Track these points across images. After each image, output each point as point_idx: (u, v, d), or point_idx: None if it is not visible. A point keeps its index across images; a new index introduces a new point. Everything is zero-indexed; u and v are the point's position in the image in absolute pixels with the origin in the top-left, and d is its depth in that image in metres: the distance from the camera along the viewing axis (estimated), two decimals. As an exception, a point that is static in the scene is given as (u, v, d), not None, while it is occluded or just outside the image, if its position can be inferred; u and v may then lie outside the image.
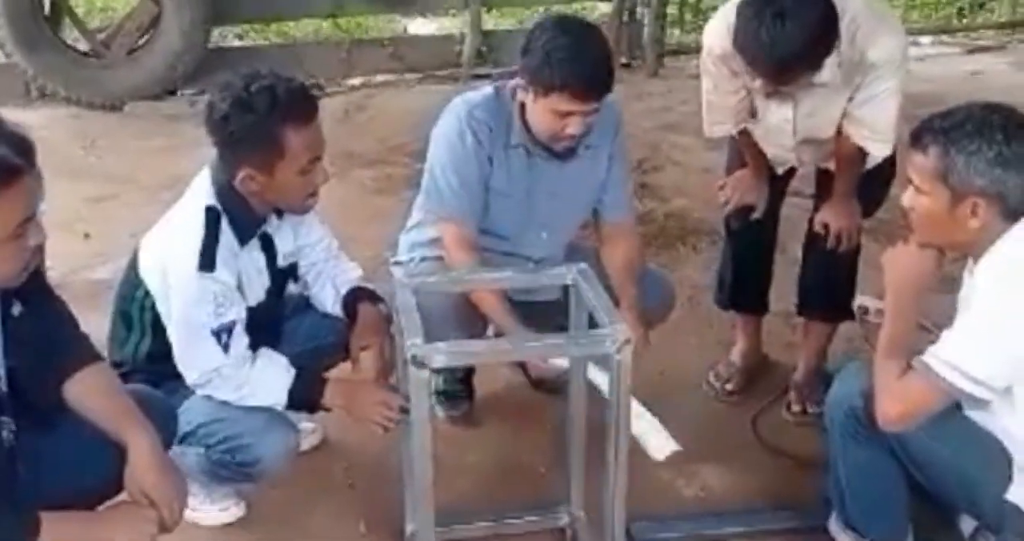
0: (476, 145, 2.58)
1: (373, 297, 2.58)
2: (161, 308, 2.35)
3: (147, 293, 2.37)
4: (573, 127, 2.47)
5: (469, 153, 2.58)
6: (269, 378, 2.35)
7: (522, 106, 2.55)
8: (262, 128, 2.21)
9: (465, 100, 2.63)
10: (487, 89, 2.66)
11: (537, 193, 2.66)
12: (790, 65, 2.47)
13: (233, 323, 2.30)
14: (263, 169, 2.26)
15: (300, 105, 2.25)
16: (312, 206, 2.43)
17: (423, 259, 2.75)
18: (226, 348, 2.30)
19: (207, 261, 2.26)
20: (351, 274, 2.63)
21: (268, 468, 2.37)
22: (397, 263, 2.77)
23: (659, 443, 2.20)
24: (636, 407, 2.15)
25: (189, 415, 2.31)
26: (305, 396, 2.36)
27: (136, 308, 2.41)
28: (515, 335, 2.39)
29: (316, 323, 2.61)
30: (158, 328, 2.38)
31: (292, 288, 2.61)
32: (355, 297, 2.57)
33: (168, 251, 2.32)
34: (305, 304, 2.65)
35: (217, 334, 2.28)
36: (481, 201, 2.63)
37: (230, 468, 2.37)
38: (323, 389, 2.37)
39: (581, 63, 2.38)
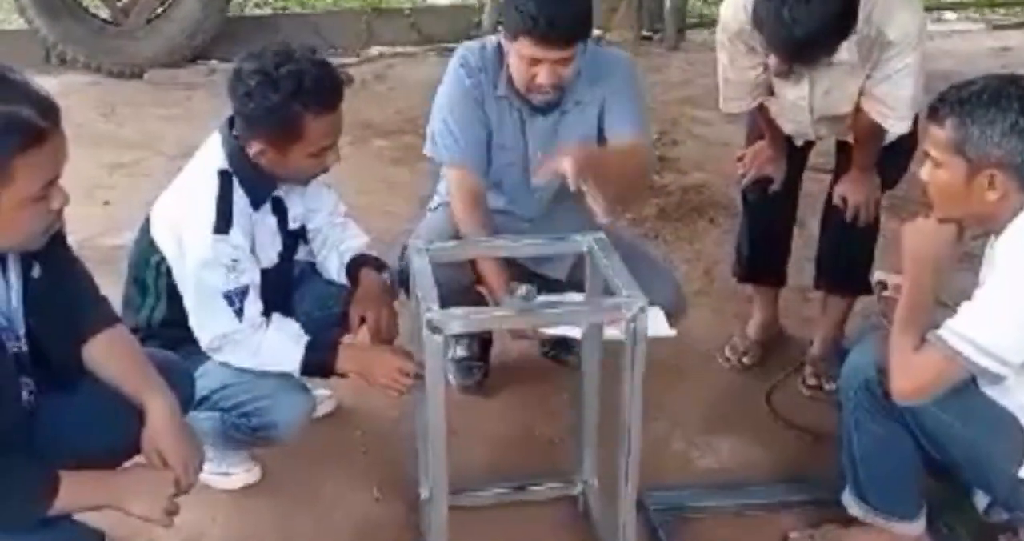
0: (472, 89, 2.60)
1: (377, 265, 2.59)
2: (176, 272, 2.36)
3: (161, 259, 2.37)
4: (543, 76, 2.45)
5: (467, 97, 2.60)
6: (282, 344, 2.35)
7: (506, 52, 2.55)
8: (283, 110, 2.20)
9: (464, 47, 2.66)
10: (491, 38, 2.64)
11: (530, 151, 2.65)
12: (810, 45, 2.44)
13: (247, 287, 2.31)
14: (277, 147, 2.27)
15: (325, 93, 2.24)
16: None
17: None
18: (239, 313, 2.30)
19: (222, 224, 2.27)
20: (356, 241, 2.63)
21: (283, 433, 2.38)
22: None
23: (656, 326, 2.21)
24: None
25: (205, 380, 2.32)
26: (318, 362, 2.36)
27: (151, 274, 2.41)
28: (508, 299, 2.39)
29: (322, 292, 2.61)
30: (173, 294, 2.39)
31: (301, 252, 2.61)
32: (358, 264, 2.58)
33: (182, 215, 2.32)
34: (312, 271, 2.65)
35: (230, 298, 2.29)
36: (483, 145, 2.63)
37: (245, 432, 2.39)
38: (336, 355, 2.37)
39: (544, 7, 2.36)
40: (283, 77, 2.19)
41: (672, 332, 2.30)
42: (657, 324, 2.23)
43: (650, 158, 2.67)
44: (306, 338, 2.37)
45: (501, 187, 2.73)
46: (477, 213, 2.59)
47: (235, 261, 2.28)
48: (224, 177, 2.31)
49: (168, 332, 2.40)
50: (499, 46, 2.60)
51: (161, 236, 2.37)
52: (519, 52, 2.45)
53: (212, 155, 2.35)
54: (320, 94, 2.22)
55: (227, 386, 2.35)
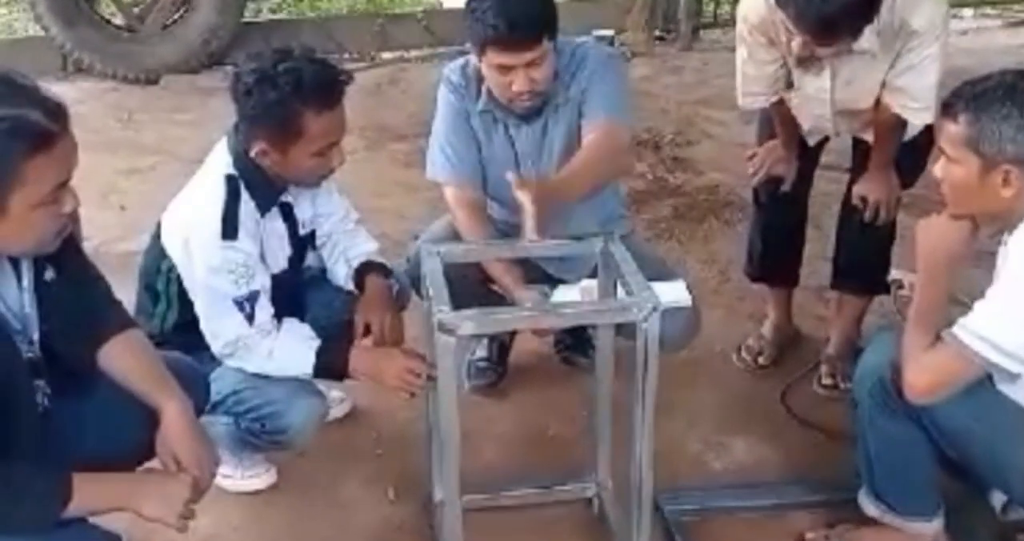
0: (457, 105, 2.61)
1: (383, 271, 2.59)
2: (185, 279, 2.37)
3: (172, 265, 2.38)
4: (518, 83, 2.45)
5: (454, 114, 2.62)
6: (294, 348, 2.35)
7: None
8: (282, 108, 2.21)
9: (448, 67, 2.68)
10: (468, 56, 2.63)
11: (520, 161, 2.65)
12: (836, 23, 2.40)
13: (257, 293, 2.31)
14: (277, 146, 2.27)
15: (324, 90, 2.23)
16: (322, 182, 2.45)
17: None
18: (250, 318, 2.31)
19: (230, 229, 2.27)
20: (364, 247, 2.63)
21: (297, 436, 2.39)
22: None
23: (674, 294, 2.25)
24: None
25: (219, 384, 2.32)
26: (330, 365, 2.36)
27: (161, 281, 2.42)
28: (523, 297, 2.40)
29: (331, 299, 2.61)
30: (184, 300, 2.40)
31: (310, 258, 2.62)
32: (365, 271, 2.58)
33: (189, 220, 2.33)
34: (321, 277, 2.66)
35: (240, 303, 2.29)
36: (476, 161, 2.64)
37: (259, 436, 2.40)
38: (348, 358, 2.37)
39: (500, 11, 2.36)
40: (281, 74, 2.19)
41: (688, 302, 2.28)
42: (677, 293, 2.26)
43: (626, 137, 2.63)
44: (317, 341, 2.37)
45: (501, 200, 2.73)
46: (478, 223, 2.59)
47: (244, 267, 2.29)
48: (231, 182, 2.31)
49: (181, 338, 2.39)
50: (474, 60, 2.59)
51: (170, 242, 2.38)
52: (489, 64, 2.45)
53: (219, 161, 2.36)
54: (319, 91, 2.22)
55: (240, 390, 2.35)
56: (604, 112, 2.55)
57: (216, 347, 2.35)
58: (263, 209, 2.36)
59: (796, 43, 2.53)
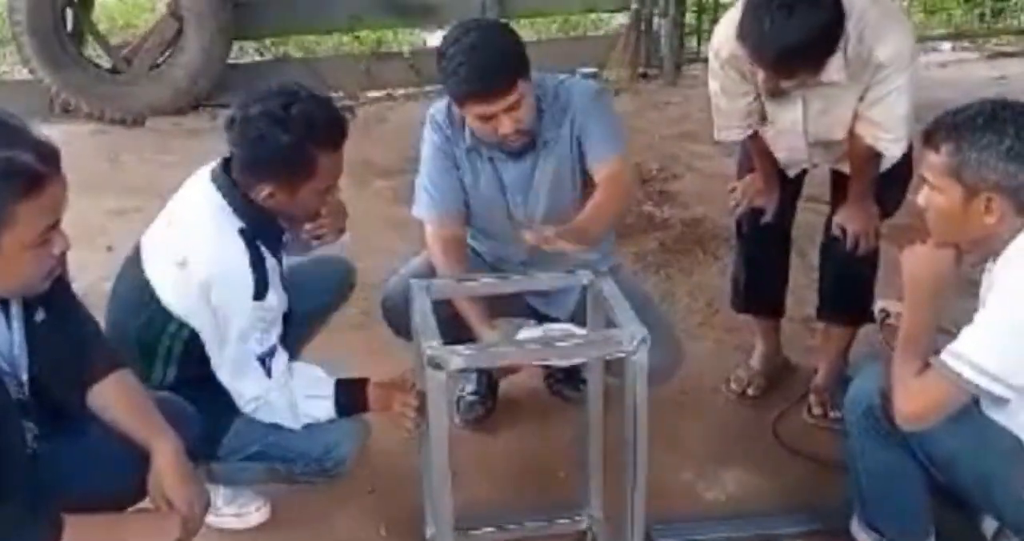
0: (442, 145, 2.64)
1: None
2: (207, 337, 2.30)
3: (179, 326, 2.31)
4: (504, 126, 2.47)
5: (438, 154, 2.64)
6: (313, 398, 2.36)
7: None
8: (297, 151, 2.21)
9: (433, 107, 2.70)
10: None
11: (508, 196, 2.67)
12: (792, 57, 2.45)
13: (275, 346, 2.32)
14: (287, 188, 2.27)
15: (335, 131, 2.26)
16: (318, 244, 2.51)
17: None
18: (269, 372, 2.31)
19: (260, 290, 2.24)
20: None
21: (351, 464, 2.43)
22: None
23: None
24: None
25: (244, 437, 2.35)
26: (351, 403, 2.38)
27: (164, 343, 2.34)
28: (486, 335, 2.44)
29: (290, 294, 2.51)
30: (185, 359, 2.36)
31: None
32: None
33: (213, 280, 2.23)
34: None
35: (262, 360, 2.29)
36: (460, 200, 2.67)
37: (313, 474, 2.42)
38: (366, 393, 2.39)
39: (470, 67, 2.39)
40: (294, 118, 2.19)
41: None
42: None
43: (632, 174, 2.67)
44: (331, 384, 2.38)
45: (488, 234, 2.77)
46: (454, 259, 2.61)
47: (267, 323, 2.28)
48: (247, 238, 2.26)
49: (179, 393, 2.31)
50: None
51: (184, 308, 2.29)
52: (471, 114, 2.48)
53: (218, 213, 2.28)
54: (330, 132, 2.24)
55: (273, 437, 2.36)
56: (611, 151, 2.59)
57: (241, 405, 2.35)
58: (275, 253, 2.35)
59: (762, 77, 2.57)
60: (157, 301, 2.32)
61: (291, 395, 2.34)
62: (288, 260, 2.53)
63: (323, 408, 2.37)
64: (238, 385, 2.33)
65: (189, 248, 2.27)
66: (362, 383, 2.41)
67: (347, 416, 2.41)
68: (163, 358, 2.37)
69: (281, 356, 2.34)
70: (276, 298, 2.30)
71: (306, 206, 2.34)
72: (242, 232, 2.26)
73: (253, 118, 2.21)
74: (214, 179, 2.32)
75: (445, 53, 2.44)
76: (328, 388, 2.38)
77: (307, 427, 2.37)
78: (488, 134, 2.53)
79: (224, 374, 2.33)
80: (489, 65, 2.40)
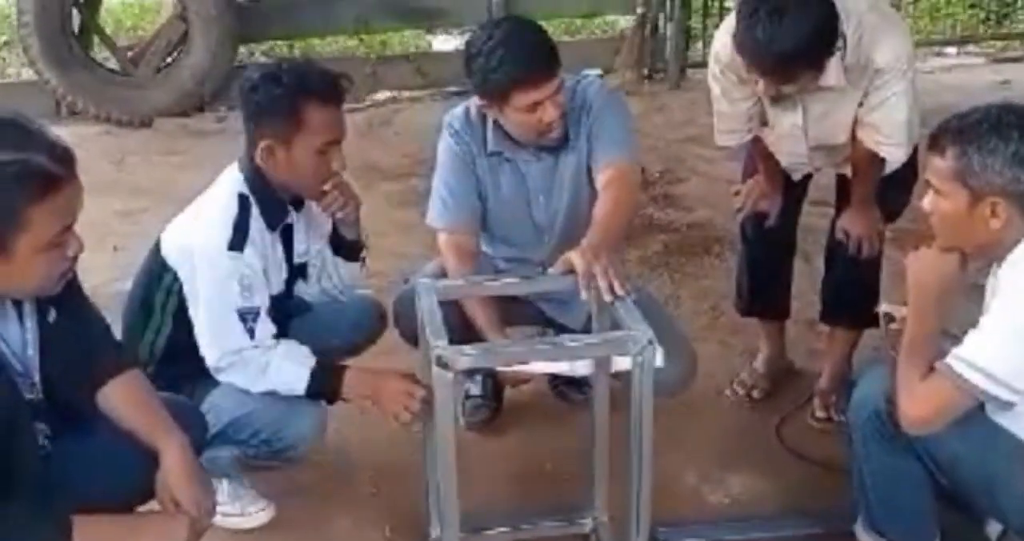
0: (460, 153, 2.64)
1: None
2: (187, 289, 2.40)
3: (174, 279, 2.41)
4: (549, 114, 2.47)
5: (456, 162, 2.65)
6: (289, 365, 2.39)
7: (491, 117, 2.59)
8: (285, 99, 2.32)
9: (450, 114, 2.71)
10: (474, 100, 2.63)
11: (531, 197, 2.68)
12: (787, 62, 2.46)
13: (259, 308, 2.37)
14: (282, 140, 2.34)
15: (326, 85, 2.37)
16: (329, 205, 2.51)
17: None
18: (251, 332, 2.35)
19: (237, 241, 2.34)
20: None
21: (303, 450, 2.46)
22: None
23: None
24: None
25: (213, 416, 2.34)
26: (324, 384, 2.40)
27: (160, 295, 2.45)
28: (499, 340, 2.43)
29: (314, 330, 2.62)
30: (179, 320, 2.42)
31: (300, 287, 2.67)
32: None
33: (197, 232, 2.38)
34: (306, 308, 2.72)
35: (243, 316, 2.34)
36: (475, 208, 2.67)
37: (267, 457, 2.45)
38: (342, 378, 2.40)
39: (513, 55, 2.40)
40: (287, 71, 2.35)
41: (660, 363, 2.27)
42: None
43: (639, 174, 2.68)
44: (313, 360, 2.40)
45: (509, 240, 2.76)
46: (467, 268, 2.59)
47: (248, 280, 2.34)
48: (243, 199, 2.39)
49: (169, 368, 2.42)
50: (473, 107, 2.63)
51: (174, 255, 2.41)
52: (517, 106, 2.46)
53: (229, 181, 2.43)
54: (321, 83, 2.36)
55: (239, 418, 2.39)
56: (619, 152, 2.58)
57: (213, 359, 2.38)
58: (272, 226, 2.43)
59: (760, 83, 2.58)
60: (158, 252, 2.45)
61: (268, 360, 2.38)
62: (321, 297, 2.70)
63: (296, 375, 2.38)
64: (213, 337, 2.38)
65: (190, 208, 2.47)
66: (340, 369, 2.44)
67: (316, 397, 2.43)
68: (159, 315, 2.46)
69: (266, 323, 2.39)
70: (257, 259, 2.37)
71: (304, 167, 2.38)
72: (241, 196, 2.39)
73: (254, 78, 2.38)
74: (239, 157, 2.45)
75: (479, 53, 2.43)
76: (310, 360, 2.41)
77: (265, 408, 2.39)
78: (530, 128, 2.52)
79: (199, 326, 2.38)
80: (533, 49, 2.43)
